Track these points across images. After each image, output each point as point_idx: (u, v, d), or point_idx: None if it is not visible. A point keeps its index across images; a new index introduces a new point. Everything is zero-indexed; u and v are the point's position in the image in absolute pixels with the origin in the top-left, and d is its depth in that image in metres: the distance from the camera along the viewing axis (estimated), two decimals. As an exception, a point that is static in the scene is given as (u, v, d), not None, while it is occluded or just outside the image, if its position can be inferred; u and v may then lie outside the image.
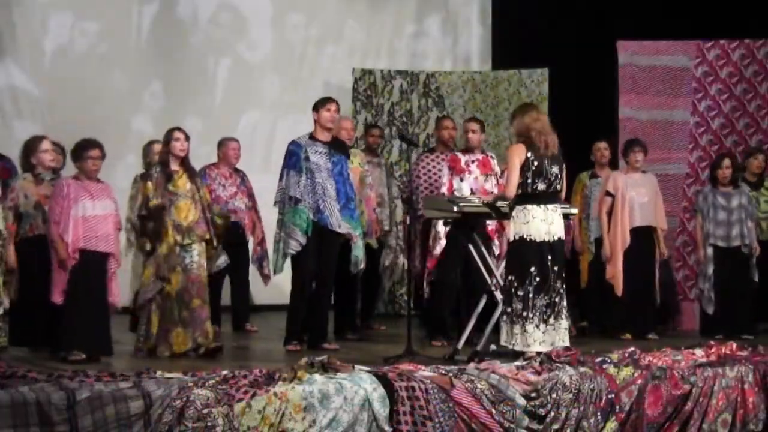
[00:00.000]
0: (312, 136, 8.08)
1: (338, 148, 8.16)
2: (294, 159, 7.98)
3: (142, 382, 5.75)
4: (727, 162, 9.14)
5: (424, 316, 9.32)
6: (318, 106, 8.07)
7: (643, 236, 8.96)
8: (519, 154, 7.06)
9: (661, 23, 10.84)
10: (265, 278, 9.21)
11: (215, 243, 7.85)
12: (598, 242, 9.24)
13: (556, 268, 7.06)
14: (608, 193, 8.97)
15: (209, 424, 5.60)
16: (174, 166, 7.78)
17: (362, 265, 8.26)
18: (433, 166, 8.88)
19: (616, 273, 8.88)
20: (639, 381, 6.60)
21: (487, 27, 12.37)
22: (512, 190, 7.08)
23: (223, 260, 8.40)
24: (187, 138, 7.80)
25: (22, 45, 10.58)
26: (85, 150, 7.42)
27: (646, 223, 8.98)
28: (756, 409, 6.85)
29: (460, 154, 8.54)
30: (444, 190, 8.39)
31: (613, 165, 9.58)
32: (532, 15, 11.53)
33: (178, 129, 7.83)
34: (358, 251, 8.19)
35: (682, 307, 9.80)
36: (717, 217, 9.08)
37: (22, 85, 10.58)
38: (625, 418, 6.55)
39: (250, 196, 9.15)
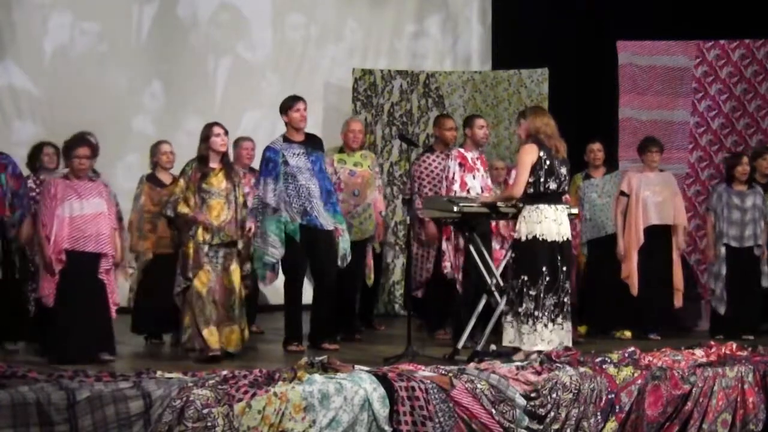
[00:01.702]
0: (286, 138, 8.02)
1: (313, 144, 8.10)
2: (271, 166, 7.90)
3: (142, 382, 5.75)
4: (746, 159, 9.11)
5: (422, 314, 9.32)
6: (286, 108, 8.01)
7: (658, 235, 8.95)
8: (531, 153, 7.05)
9: (661, 23, 10.84)
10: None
11: (240, 246, 7.61)
12: (591, 243, 9.25)
13: (564, 268, 7.08)
14: (623, 193, 8.97)
15: (209, 424, 5.60)
16: (213, 163, 7.54)
17: (349, 258, 8.16)
18: (436, 166, 8.86)
19: (631, 272, 8.88)
20: (639, 381, 6.60)
21: (487, 27, 12.38)
22: (520, 190, 7.08)
23: (249, 267, 8.22)
24: (227, 133, 7.60)
25: (22, 45, 10.56)
26: (71, 149, 7.30)
27: (661, 222, 8.96)
28: (756, 409, 6.86)
29: (464, 151, 8.49)
30: (457, 187, 8.32)
31: (610, 165, 9.57)
32: (532, 15, 11.53)
33: (218, 124, 7.59)
34: (345, 244, 8.11)
35: (690, 307, 9.78)
36: (731, 216, 9.03)
37: (22, 85, 10.56)
38: (625, 418, 6.55)
39: None
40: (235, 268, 7.52)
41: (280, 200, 7.87)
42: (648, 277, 8.89)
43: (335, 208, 8.07)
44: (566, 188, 7.24)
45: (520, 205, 7.16)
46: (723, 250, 9.03)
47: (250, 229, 7.69)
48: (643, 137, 9.36)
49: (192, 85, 11.16)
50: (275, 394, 5.81)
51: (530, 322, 7.00)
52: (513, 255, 7.26)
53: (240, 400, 5.72)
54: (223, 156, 7.59)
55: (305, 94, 9.89)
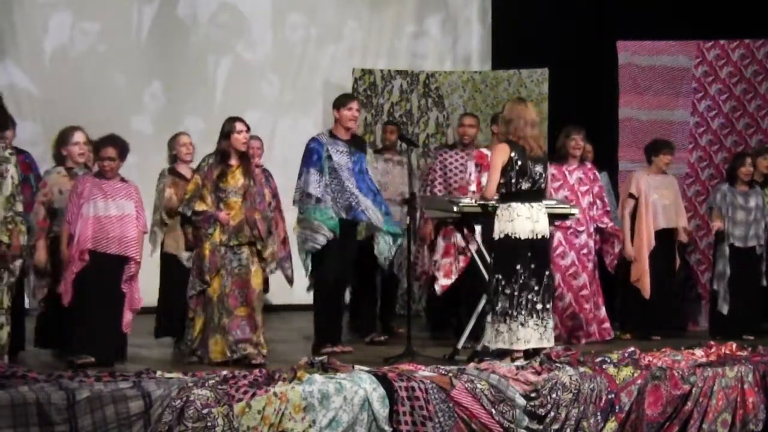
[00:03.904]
0: (332, 134, 7.95)
1: (357, 145, 8.03)
2: (315, 157, 7.78)
3: (142, 382, 5.75)
4: (749, 160, 9.11)
5: (431, 315, 9.31)
6: (339, 105, 7.93)
7: (664, 238, 8.94)
8: (501, 154, 7.06)
9: (661, 23, 10.83)
10: (289, 281, 8.74)
11: (261, 246, 7.29)
12: None
13: (533, 266, 7.03)
14: (631, 195, 8.95)
15: (209, 424, 5.61)
16: (232, 159, 7.30)
17: (390, 259, 8.09)
18: (450, 162, 8.89)
19: (642, 275, 8.85)
20: (639, 381, 6.60)
21: (487, 27, 12.37)
22: (491, 190, 7.09)
23: (273, 267, 7.79)
24: (249, 130, 7.35)
25: (22, 45, 10.58)
26: (98, 149, 7.17)
27: (668, 226, 8.96)
28: (756, 409, 6.86)
29: (485, 150, 8.47)
30: (473, 187, 8.31)
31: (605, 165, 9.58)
32: (532, 15, 11.52)
33: (240, 120, 7.34)
34: (390, 248, 8.02)
35: (690, 308, 9.78)
36: (736, 216, 9.01)
37: (22, 85, 10.57)
38: (625, 418, 6.55)
39: (274, 195, 8.86)
40: (256, 269, 7.28)
41: (326, 193, 7.74)
42: (657, 280, 8.87)
43: (386, 210, 7.99)
44: (544, 185, 7.19)
45: (494, 204, 7.16)
46: (727, 249, 9.02)
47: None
48: (653, 138, 9.34)
49: (192, 85, 11.17)
50: (275, 394, 5.81)
51: (506, 320, 6.99)
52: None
53: (240, 400, 5.73)
54: (243, 153, 7.35)
55: (305, 94, 9.96)
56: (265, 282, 7.66)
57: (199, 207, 7.24)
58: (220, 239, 7.20)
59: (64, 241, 7.05)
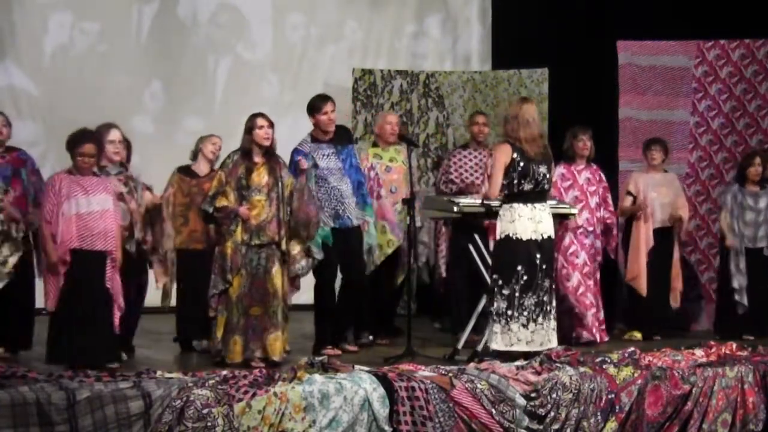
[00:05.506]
0: (314, 138, 7.84)
1: (342, 139, 7.92)
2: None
3: (142, 382, 5.76)
4: (758, 160, 9.08)
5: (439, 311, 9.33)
6: (313, 111, 7.82)
7: (663, 238, 8.94)
8: (504, 155, 7.05)
9: (661, 23, 10.82)
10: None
11: (284, 246, 7.19)
12: None
13: (544, 267, 7.03)
14: (629, 193, 8.96)
15: (209, 424, 5.61)
16: (256, 156, 7.20)
17: (375, 253, 8.02)
18: (465, 162, 8.89)
19: (639, 273, 8.84)
20: (639, 381, 6.60)
21: (487, 27, 12.37)
22: (495, 191, 7.08)
23: (303, 265, 7.42)
24: (272, 125, 7.26)
25: (22, 45, 10.57)
26: (76, 145, 6.96)
27: (665, 225, 8.96)
28: (756, 409, 6.86)
29: None
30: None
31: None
32: (532, 15, 11.52)
33: (262, 115, 7.24)
34: (371, 239, 7.96)
35: (691, 308, 9.76)
36: (745, 217, 9.00)
37: (22, 85, 10.57)
38: (625, 418, 6.56)
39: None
40: (277, 270, 7.17)
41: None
42: (656, 279, 8.87)
43: (365, 199, 7.90)
44: (548, 186, 7.18)
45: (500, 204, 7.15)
46: (743, 247, 8.98)
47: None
48: (649, 137, 9.36)
49: (192, 85, 11.16)
50: (275, 394, 5.81)
51: (503, 321, 6.99)
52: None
53: (240, 400, 5.73)
54: (267, 149, 7.25)
55: (305, 94, 9.86)
56: (294, 279, 7.42)
57: (221, 203, 7.16)
58: (242, 238, 7.11)
59: (48, 242, 6.85)
